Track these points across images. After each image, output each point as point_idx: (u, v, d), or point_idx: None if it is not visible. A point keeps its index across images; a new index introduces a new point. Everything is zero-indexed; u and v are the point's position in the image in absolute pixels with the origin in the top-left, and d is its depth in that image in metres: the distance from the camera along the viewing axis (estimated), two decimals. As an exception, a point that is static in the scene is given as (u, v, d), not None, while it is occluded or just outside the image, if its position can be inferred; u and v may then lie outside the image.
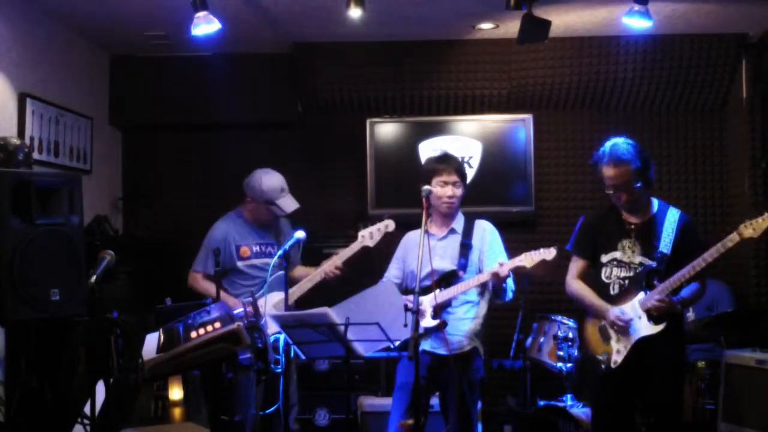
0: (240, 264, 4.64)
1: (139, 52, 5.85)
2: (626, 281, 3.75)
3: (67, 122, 5.25)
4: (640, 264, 3.72)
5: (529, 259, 3.76)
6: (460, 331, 3.90)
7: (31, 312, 3.20)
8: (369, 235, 4.40)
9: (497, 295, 3.90)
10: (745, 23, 5.32)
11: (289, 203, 4.60)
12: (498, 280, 3.76)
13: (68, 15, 5.02)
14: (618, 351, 3.71)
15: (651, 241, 3.72)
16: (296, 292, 4.48)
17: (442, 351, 3.86)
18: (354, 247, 4.43)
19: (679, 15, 5.08)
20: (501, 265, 3.73)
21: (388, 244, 4.36)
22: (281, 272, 4.43)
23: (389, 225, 4.39)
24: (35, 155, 4.67)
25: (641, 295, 3.67)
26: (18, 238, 3.18)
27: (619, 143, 3.74)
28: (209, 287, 4.59)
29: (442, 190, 3.91)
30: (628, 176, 3.68)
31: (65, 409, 3.80)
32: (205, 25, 4.44)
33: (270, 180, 4.59)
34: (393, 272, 4.16)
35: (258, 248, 4.69)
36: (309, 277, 4.53)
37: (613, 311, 3.70)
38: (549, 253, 3.74)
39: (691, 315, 5.05)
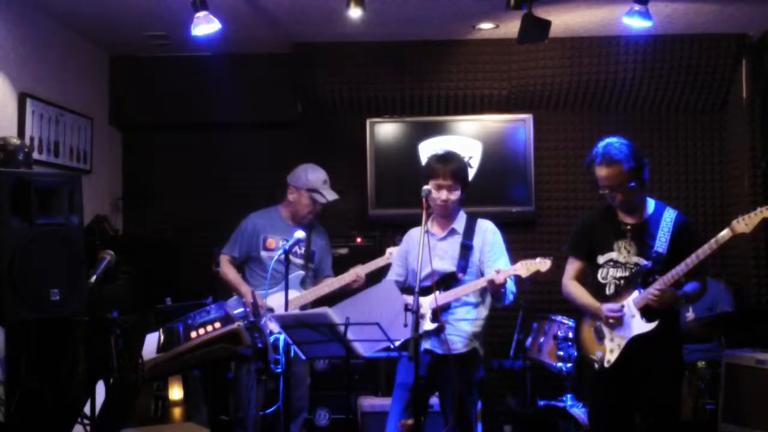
0: (263, 254, 4.68)
1: (139, 52, 5.85)
2: (622, 281, 3.74)
3: (67, 122, 5.25)
4: (636, 264, 3.72)
5: (524, 269, 3.78)
6: (460, 332, 3.90)
7: (31, 312, 3.20)
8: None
9: (497, 299, 3.90)
10: (745, 23, 5.32)
11: (330, 193, 4.71)
12: (494, 287, 3.77)
13: (68, 15, 5.02)
14: (611, 350, 3.71)
15: (647, 242, 3.71)
16: (308, 296, 4.52)
17: (441, 351, 3.86)
18: (379, 262, 4.47)
19: (679, 15, 5.08)
20: (498, 272, 3.73)
21: (390, 243, 4.36)
22: (300, 272, 4.53)
23: None
24: (35, 155, 4.66)
25: (635, 294, 3.67)
26: (18, 238, 3.18)
27: (612, 143, 3.73)
28: (229, 272, 4.69)
29: (437, 193, 3.91)
30: (621, 176, 3.67)
31: (65, 409, 3.80)
32: (205, 25, 4.44)
33: (315, 171, 4.74)
34: (396, 269, 4.16)
35: (284, 243, 4.72)
36: (329, 282, 4.60)
37: (605, 306, 3.70)
38: (544, 264, 3.76)
39: (690, 314, 5.05)
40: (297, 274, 4.55)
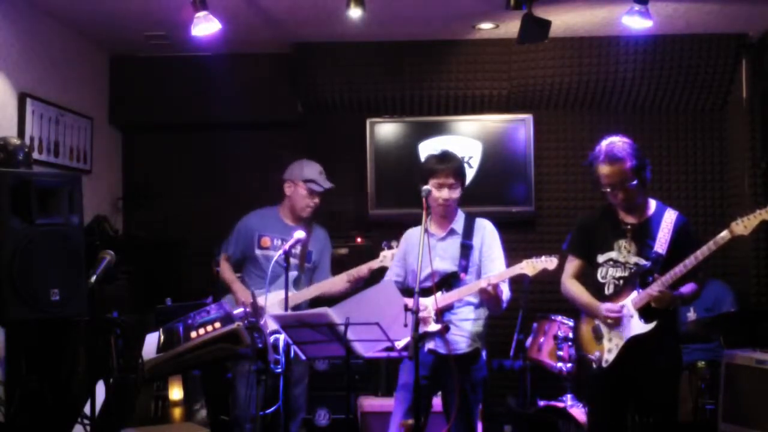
0: (257, 252, 4.67)
1: (139, 52, 5.85)
2: (621, 281, 3.74)
3: (67, 122, 5.25)
4: (636, 264, 3.72)
5: (530, 267, 3.78)
6: (463, 332, 3.90)
7: (31, 312, 3.20)
8: (391, 257, 4.38)
9: (491, 308, 3.89)
10: (745, 23, 5.32)
11: (326, 182, 4.75)
12: (486, 296, 3.76)
13: (68, 15, 5.02)
14: (609, 350, 3.71)
15: (646, 242, 3.71)
16: (297, 297, 4.50)
17: (445, 351, 3.86)
18: (373, 265, 4.45)
19: (679, 15, 5.08)
20: (489, 283, 3.71)
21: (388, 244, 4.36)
22: (294, 272, 4.52)
23: None
24: (35, 155, 4.67)
25: (634, 294, 3.67)
26: (18, 238, 3.18)
27: (615, 141, 3.74)
28: (227, 273, 4.69)
29: (438, 192, 3.90)
30: (624, 174, 3.67)
31: (65, 409, 3.80)
32: (205, 25, 4.45)
33: (311, 164, 4.78)
34: (395, 270, 4.15)
35: (280, 242, 4.69)
36: (318, 285, 4.58)
37: (604, 305, 3.71)
38: (551, 263, 3.78)
39: (692, 315, 5.05)
40: (291, 274, 4.45)
